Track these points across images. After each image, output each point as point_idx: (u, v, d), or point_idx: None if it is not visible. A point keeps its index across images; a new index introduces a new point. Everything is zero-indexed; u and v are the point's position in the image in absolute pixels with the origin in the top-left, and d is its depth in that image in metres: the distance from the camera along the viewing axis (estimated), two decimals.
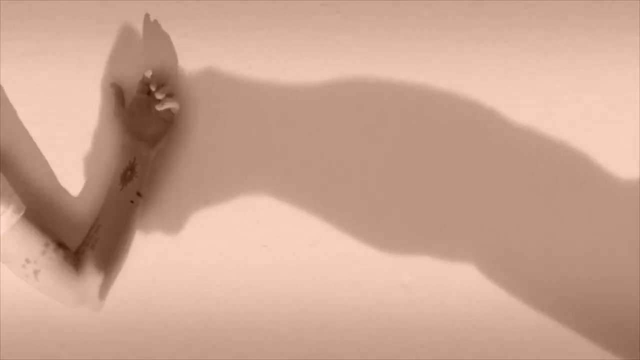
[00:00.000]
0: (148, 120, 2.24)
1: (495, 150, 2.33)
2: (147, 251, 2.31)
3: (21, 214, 2.10)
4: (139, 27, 2.29)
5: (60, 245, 2.14)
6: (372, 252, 2.35)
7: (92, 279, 2.14)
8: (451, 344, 2.37)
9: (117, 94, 2.26)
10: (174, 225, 2.33)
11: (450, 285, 2.36)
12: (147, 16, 2.29)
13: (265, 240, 2.34)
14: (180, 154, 2.31)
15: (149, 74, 2.24)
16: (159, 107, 2.23)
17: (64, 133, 2.30)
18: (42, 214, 2.28)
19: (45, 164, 2.30)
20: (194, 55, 2.30)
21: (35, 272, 2.11)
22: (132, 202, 2.18)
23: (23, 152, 2.29)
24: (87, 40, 2.28)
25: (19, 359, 2.33)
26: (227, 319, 2.35)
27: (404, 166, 2.33)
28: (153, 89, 2.23)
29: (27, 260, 2.10)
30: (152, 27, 2.29)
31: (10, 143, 2.29)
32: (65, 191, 2.30)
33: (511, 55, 2.31)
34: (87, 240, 2.18)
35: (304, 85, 2.31)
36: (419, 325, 2.36)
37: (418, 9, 2.30)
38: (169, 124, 2.25)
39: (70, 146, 2.30)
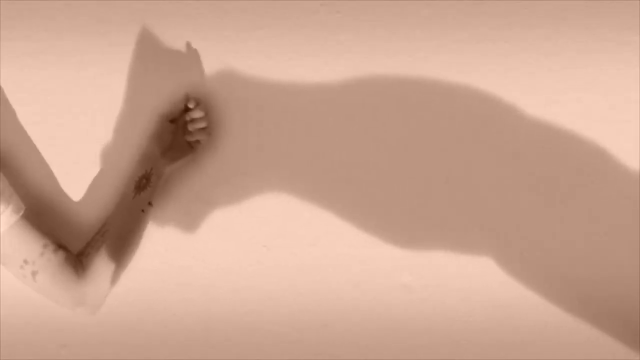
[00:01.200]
0: (178, 142, 2.26)
1: (495, 150, 2.33)
2: (147, 251, 2.31)
3: (20, 214, 2.10)
4: (139, 27, 2.29)
5: (60, 246, 2.14)
6: (372, 252, 2.35)
7: (93, 282, 2.14)
8: (451, 344, 2.37)
9: (182, 108, 2.27)
10: (174, 225, 2.33)
11: (450, 285, 2.36)
12: (147, 16, 2.29)
13: (265, 240, 2.34)
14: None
15: (192, 104, 2.24)
16: (190, 138, 2.25)
17: (64, 133, 2.30)
18: (42, 214, 2.28)
19: (45, 164, 2.30)
20: (193, 55, 2.30)
21: (33, 273, 2.10)
22: (142, 211, 2.19)
23: (23, 152, 2.29)
24: (87, 40, 2.28)
25: (19, 359, 2.33)
26: (227, 319, 2.35)
27: (404, 166, 2.33)
28: (188, 119, 2.25)
29: (25, 261, 2.09)
30: (152, 27, 2.29)
31: (10, 143, 2.29)
32: (65, 192, 2.30)
33: (511, 55, 2.31)
34: (92, 243, 2.17)
35: (304, 85, 2.31)
36: (419, 325, 2.37)
37: (418, 9, 2.30)
38: (193, 150, 2.28)
39: (71, 146, 2.30)
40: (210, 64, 2.30)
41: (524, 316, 2.36)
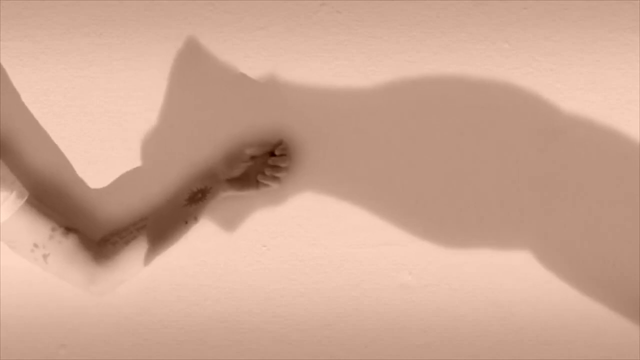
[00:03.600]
0: (248, 176, 2.27)
1: (495, 150, 2.33)
2: None
3: (24, 199, 2.12)
4: (139, 27, 2.29)
5: (70, 230, 2.16)
6: (372, 252, 2.35)
7: (113, 271, 2.17)
8: (451, 344, 2.37)
9: (269, 148, 2.27)
10: None
11: (450, 285, 2.36)
12: (147, 16, 2.29)
13: (265, 240, 2.34)
14: (179, 153, 2.31)
15: (281, 152, 2.25)
16: (261, 179, 2.25)
17: (64, 133, 2.30)
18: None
19: (45, 163, 2.30)
20: (193, 55, 2.30)
21: (45, 256, 2.13)
22: (186, 222, 2.21)
23: (24, 149, 2.29)
24: (87, 40, 2.28)
25: (19, 359, 2.33)
26: (227, 319, 2.35)
27: (404, 166, 2.33)
28: (270, 162, 2.24)
29: (36, 245, 2.12)
30: (152, 27, 2.29)
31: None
32: (63, 190, 2.30)
33: (511, 55, 2.31)
34: (123, 234, 2.20)
35: (303, 85, 2.31)
36: (419, 325, 2.37)
37: (418, 9, 2.30)
38: (257, 189, 2.27)
39: (70, 147, 2.30)
40: (210, 64, 2.30)
41: (524, 316, 2.36)
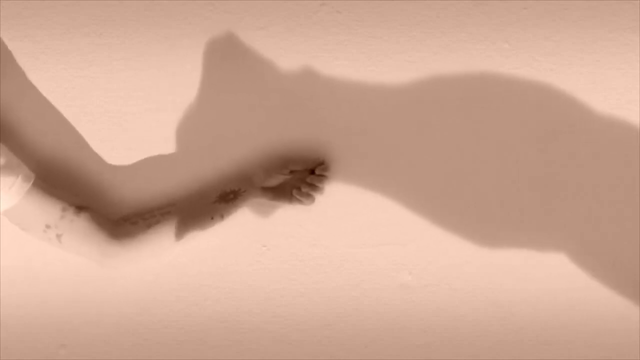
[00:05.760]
0: (283, 188, 2.29)
1: (495, 151, 2.33)
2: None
3: (31, 182, 2.13)
4: (139, 27, 2.29)
5: (81, 208, 2.17)
6: (372, 252, 2.35)
7: (130, 249, 2.18)
8: (451, 344, 2.37)
9: (309, 166, 2.29)
10: None
11: (450, 285, 2.36)
12: (147, 16, 2.29)
13: (265, 240, 2.34)
14: (180, 152, 2.31)
15: (321, 172, 2.28)
16: (296, 194, 2.27)
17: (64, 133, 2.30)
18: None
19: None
20: (193, 55, 2.30)
21: (58, 236, 2.15)
22: (212, 218, 2.22)
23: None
24: (87, 40, 2.28)
25: (19, 359, 2.34)
26: (227, 319, 2.35)
27: (404, 166, 2.33)
28: (308, 180, 2.28)
29: (48, 226, 2.14)
30: (152, 27, 2.29)
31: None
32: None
33: (511, 55, 2.31)
34: (145, 215, 2.22)
35: (303, 85, 2.31)
36: (419, 325, 2.37)
37: (418, 9, 2.30)
38: (289, 202, 2.29)
39: (70, 146, 2.30)
40: (210, 64, 2.30)
41: (524, 316, 2.37)
